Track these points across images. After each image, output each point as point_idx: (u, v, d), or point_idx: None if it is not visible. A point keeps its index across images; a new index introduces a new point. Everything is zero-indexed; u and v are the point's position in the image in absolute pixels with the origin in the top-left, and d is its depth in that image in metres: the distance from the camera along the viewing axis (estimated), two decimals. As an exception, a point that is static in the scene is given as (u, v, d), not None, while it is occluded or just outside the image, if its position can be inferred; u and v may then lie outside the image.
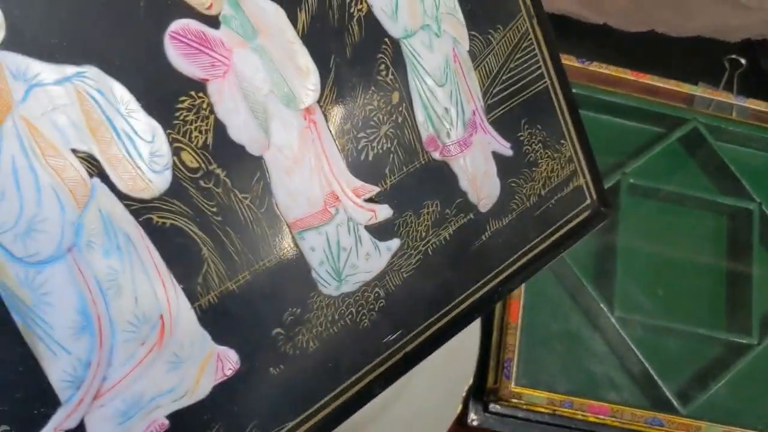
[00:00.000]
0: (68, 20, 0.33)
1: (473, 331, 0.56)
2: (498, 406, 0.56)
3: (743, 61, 0.75)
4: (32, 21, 0.32)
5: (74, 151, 0.34)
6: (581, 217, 0.52)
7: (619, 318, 0.59)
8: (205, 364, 0.38)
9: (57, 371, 0.33)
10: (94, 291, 0.34)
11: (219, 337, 0.38)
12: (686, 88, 0.67)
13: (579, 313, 0.60)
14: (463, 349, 0.55)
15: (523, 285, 0.57)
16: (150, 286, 0.36)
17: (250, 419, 0.39)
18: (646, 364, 0.57)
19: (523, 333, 0.56)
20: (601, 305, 0.58)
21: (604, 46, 0.74)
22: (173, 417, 0.37)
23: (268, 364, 0.39)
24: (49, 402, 0.33)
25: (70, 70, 0.33)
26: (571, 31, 0.74)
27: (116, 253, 0.35)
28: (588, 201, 0.52)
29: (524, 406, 0.55)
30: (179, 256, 0.36)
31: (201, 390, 0.37)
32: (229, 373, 0.38)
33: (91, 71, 0.34)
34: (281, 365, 0.40)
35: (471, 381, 0.56)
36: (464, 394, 0.56)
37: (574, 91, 0.59)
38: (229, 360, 0.38)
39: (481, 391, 0.57)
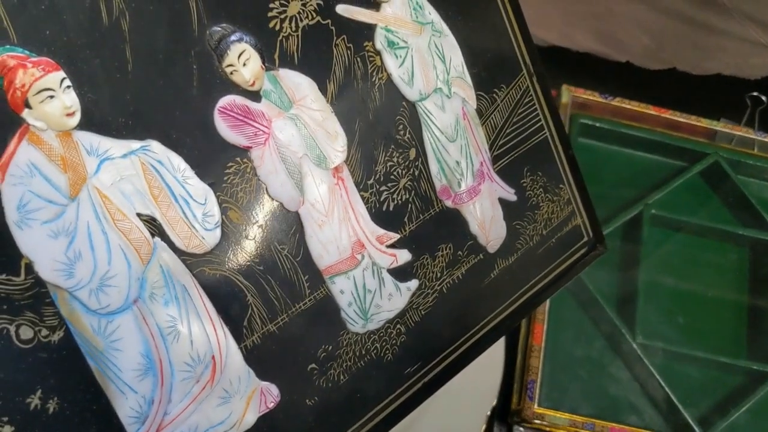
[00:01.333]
0: (132, 101, 0.38)
1: (497, 353, 0.58)
2: (521, 428, 0.58)
3: (764, 98, 0.77)
4: (102, 104, 0.37)
5: (139, 215, 0.38)
6: (579, 253, 0.57)
7: (641, 344, 0.60)
8: (251, 398, 0.42)
9: (125, 408, 0.38)
10: (156, 337, 0.39)
11: (262, 374, 0.42)
12: (708, 123, 0.70)
13: (601, 338, 0.61)
14: (487, 370, 0.57)
15: (547, 310, 0.61)
16: (203, 330, 0.40)
17: (290, 446, 0.44)
18: (668, 390, 0.58)
19: (547, 356, 0.58)
20: (623, 332, 0.60)
21: (627, 83, 0.76)
22: (224, 446, 0.41)
23: (304, 397, 0.44)
24: (119, 435, 0.38)
25: (134, 144, 0.38)
26: (595, 68, 0.77)
27: (174, 303, 0.39)
28: (585, 238, 0.57)
29: (547, 428, 0.57)
30: (228, 303, 0.41)
31: (247, 422, 0.42)
32: (271, 405, 0.43)
33: (153, 144, 0.39)
34: (316, 397, 0.45)
35: (495, 402, 0.57)
36: (488, 414, 0.57)
37: (596, 125, 0.66)
38: (271, 394, 0.43)
39: (504, 412, 0.59)
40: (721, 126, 0.70)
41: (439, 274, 0.49)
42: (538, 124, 0.54)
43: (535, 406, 0.56)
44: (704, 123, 0.70)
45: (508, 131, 0.52)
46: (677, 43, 0.77)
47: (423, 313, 0.49)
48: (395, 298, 0.48)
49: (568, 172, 0.55)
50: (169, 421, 0.40)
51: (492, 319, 0.52)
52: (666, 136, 0.70)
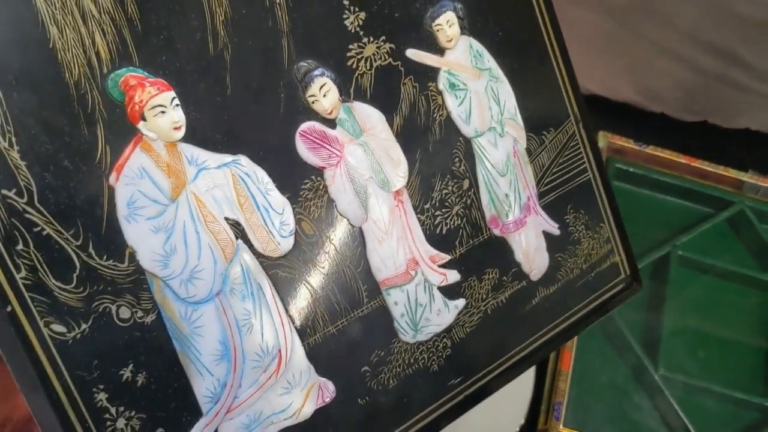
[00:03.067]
0: (228, 121, 0.43)
1: (528, 375, 0.61)
2: (547, 446, 0.62)
3: None
4: (204, 121, 0.42)
5: (226, 218, 0.43)
6: (616, 289, 0.60)
7: (663, 376, 0.63)
8: (310, 391, 0.46)
9: (201, 389, 0.43)
10: (233, 327, 0.44)
11: (321, 370, 0.47)
12: (735, 173, 0.73)
13: (626, 368, 0.64)
14: (518, 391, 0.60)
15: (575, 338, 0.64)
16: (273, 325, 0.45)
17: (341, 440, 0.47)
18: (686, 421, 0.60)
19: (574, 380, 0.61)
20: (646, 363, 0.63)
21: (661, 133, 0.80)
22: (283, 433, 0.45)
23: (357, 396, 0.48)
24: (194, 412, 0.42)
25: (227, 158, 0.43)
26: (632, 117, 0.81)
27: (250, 299, 0.44)
28: (622, 275, 0.60)
29: (570, 447, 0.61)
30: (295, 302, 0.46)
31: (305, 412, 0.46)
32: (327, 400, 0.47)
33: (243, 159, 0.44)
34: (367, 397, 0.48)
35: (523, 421, 0.61)
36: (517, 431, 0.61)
37: (630, 170, 0.71)
38: (328, 390, 0.47)
39: (531, 431, 0.62)
40: (748, 177, 0.73)
41: (484, 296, 0.53)
42: (582, 167, 0.58)
43: (561, 426, 0.59)
44: (732, 173, 0.73)
45: (554, 170, 0.56)
46: (709, 99, 0.81)
47: (468, 330, 0.52)
48: (443, 314, 0.51)
49: (608, 212, 0.59)
50: (237, 404, 0.44)
51: (531, 343, 0.55)
52: (696, 184, 0.74)
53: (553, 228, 0.56)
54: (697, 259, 0.70)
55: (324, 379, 0.47)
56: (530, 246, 0.55)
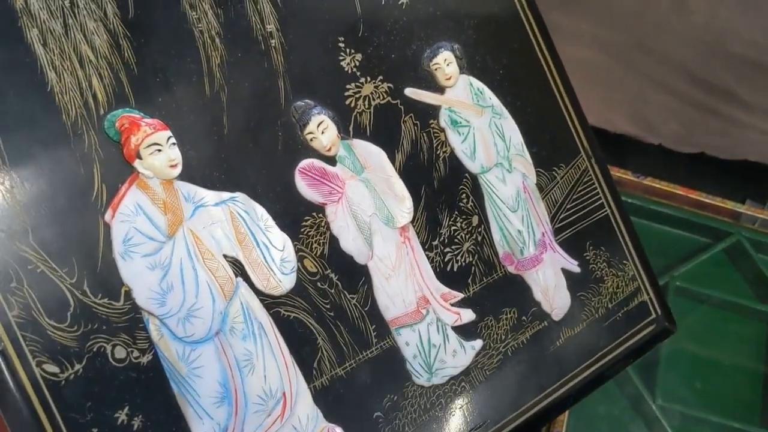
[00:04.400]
0: (226, 159, 0.43)
1: None
2: (546, 474, 0.59)
3: None
4: (200, 160, 0.42)
5: (225, 256, 0.42)
6: (647, 330, 0.56)
7: (660, 406, 0.62)
8: (318, 438, 0.43)
9: (201, 433, 0.40)
10: (233, 368, 0.41)
11: (329, 415, 0.43)
12: (733, 205, 0.73)
13: (624, 398, 0.63)
14: None
15: None
16: (276, 366, 0.42)
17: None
18: None
19: (572, 412, 0.59)
20: (644, 393, 0.62)
21: (659, 164, 0.80)
22: (290, 482, 0.42)
23: (370, 443, 0.44)
24: (194, 460, 0.39)
25: (225, 195, 0.42)
26: (629, 149, 0.82)
27: (252, 338, 0.42)
28: (653, 316, 0.56)
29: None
30: (300, 343, 0.43)
31: (314, 462, 0.43)
32: (337, 447, 0.43)
33: (241, 196, 0.43)
34: (381, 445, 0.44)
35: None
36: None
37: (629, 201, 0.70)
38: (338, 436, 0.43)
39: None
40: (745, 208, 0.73)
41: (503, 337, 0.50)
42: (599, 202, 0.55)
43: None
44: (729, 204, 0.73)
45: (568, 206, 0.54)
46: (705, 131, 0.81)
47: (488, 373, 0.49)
48: (459, 355, 0.48)
49: (631, 249, 0.56)
50: (239, 450, 0.41)
51: (558, 388, 0.51)
52: (693, 215, 0.74)
53: (573, 265, 0.53)
54: (694, 289, 0.69)
55: (333, 425, 0.43)
56: (549, 284, 0.52)
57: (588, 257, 0.54)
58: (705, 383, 0.66)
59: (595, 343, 0.53)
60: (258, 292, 0.42)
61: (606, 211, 0.56)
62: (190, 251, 0.41)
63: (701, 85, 0.79)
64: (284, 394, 0.42)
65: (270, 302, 0.43)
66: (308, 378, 0.43)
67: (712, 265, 0.72)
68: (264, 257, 0.43)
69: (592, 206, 0.55)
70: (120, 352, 0.39)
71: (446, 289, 0.48)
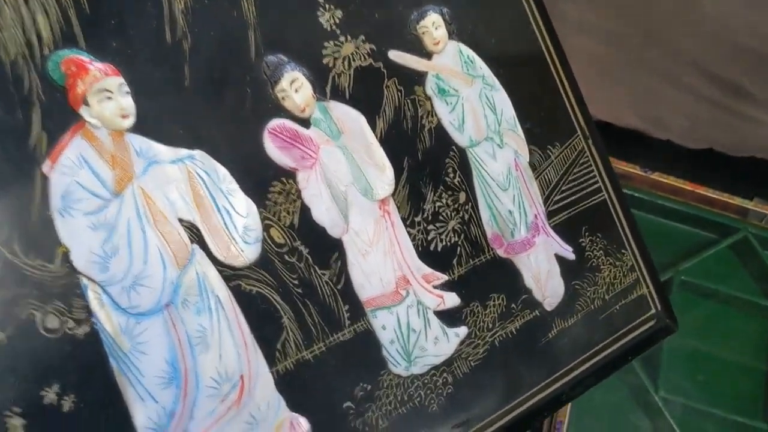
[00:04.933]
0: (186, 114, 0.38)
1: None
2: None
3: None
4: (157, 112, 0.37)
5: (180, 220, 0.37)
6: (647, 326, 0.51)
7: (662, 398, 0.60)
8: (279, 429, 0.37)
9: (143, 417, 0.34)
10: (184, 345, 0.36)
11: (293, 404, 0.38)
12: (740, 201, 0.72)
13: (627, 388, 0.62)
14: None
15: None
16: (234, 346, 0.37)
17: (319, 491, 0.38)
18: None
19: (575, 401, 0.55)
20: (647, 384, 0.61)
21: (667, 159, 0.78)
22: (246, 478, 0.36)
23: (338, 437, 0.39)
24: (133, 448, 0.34)
25: (183, 152, 0.37)
26: (638, 144, 0.79)
27: (207, 313, 0.37)
28: (653, 311, 0.51)
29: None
30: (262, 321, 0.38)
31: (274, 455, 0.37)
32: (300, 440, 0.38)
33: (200, 154, 0.38)
34: (351, 440, 0.39)
35: None
36: None
37: (636, 195, 0.69)
38: (302, 427, 0.38)
39: None
40: (752, 205, 0.72)
41: (490, 325, 0.45)
42: (596, 186, 0.51)
43: None
44: (737, 201, 0.72)
45: (563, 188, 0.49)
46: (713, 127, 0.79)
47: (473, 364, 0.44)
48: (442, 343, 0.43)
49: (630, 238, 0.51)
50: (188, 439, 0.35)
51: (551, 383, 0.46)
52: (700, 210, 0.73)
53: (567, 251, 0.48)
54: (699, 284, 0.68)
55: (296, 415, 0.38)
56: (541, 270, 0.47)
57: (583, 244, 0.49)
58: (708, 377, 0.65)
59: (590, 337, 0.48)
60: (216, 262, 0.37)
61: (603, 195, 0.51)
62: (140, 212, 0.36)
63: (710, 80, 0.76)
64: (242, 377, 0.37)
65: (230, 274, 0.38)
66: (270, 361, 0.38)
67: (718, 260, 0.71)
68: (224, 223, 0.38)
69: (589, 190, 0.51)
70: (52, 322, 0.33)
71: (429, 270, 0.43)
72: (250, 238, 0.38)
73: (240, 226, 0.38)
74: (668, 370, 0.63)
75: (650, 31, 0.76)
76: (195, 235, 0.37)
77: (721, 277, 0.69)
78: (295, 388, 0.38)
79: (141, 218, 0.36)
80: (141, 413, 0.34)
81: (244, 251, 0.38)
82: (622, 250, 0.51)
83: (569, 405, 0.57)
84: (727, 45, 0.75)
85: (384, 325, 0.41)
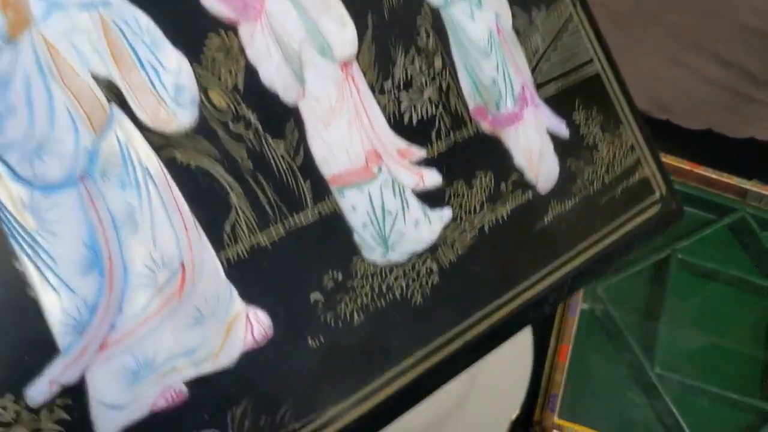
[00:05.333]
0: (96, -49, 0.30)
1: (525, 366, 0.58)
2: (541, 437, 0.57)
3: None
4: (59, -53, 0.29)
5: (95, 77, 0.29)
6: (651, 212, 0.45)
7: (658, 375, 0.60)
8: (232, 325, 0.31)
9: (57, 312, 0.27)
10: (106, 225, 0.29)
11: (249, 296, 0.31)
12: (739, 181, 0.70)
13: (623, 364, 0.62)
14: (514, 382, 0.57)
15: (574, 333, 0.60)
16: (171, 228, 0.30)
17: (283, 400, 0.31)
18: (680, 420, 0.58)
19: (570, 373, 0.58)
20: (643, 361, 0.60)
21: (665, 139, 0.75)
22: (192, 385, 0.29)
23: (305, 333, 0.32)
24: (46, 348, 0.27)
25: (94, -5, 0.30)
26: None
27: (134, 188, 0.29)
28: (657, 195, 0.45)
29: (564, 439, 0.57)
30: (205, 200, 0.31)
31: (226, 355, 0.30)
32: (259, 338, 0.31)
33: (116, 1, 0.30)
34: (321, 337, 0.32)
35: (518, 412, 0.56)
36: (511, 421, 0.56)
37: None
38: (260, 322, 0.31)
39: (527, 423, 0.58)
40: (751, 185, 0.70)
41: (478, 208, 0.38)
42: (587, 57, 0.44)
43: (555, 417, 0.56)
44: (735, 181, 0.71)
45: (551, 57, 0.43)
46: (714, 108, 0.77)
47: (460, 252, 0.37)
48: (423, 227, 0.36)
49: (627, 113, 0.45)
50: (117, 337, 0.28)
51: (550, 273, 0.40)
52: (699, 190, 0.71)
53: (560, 126, 0.42)
54: (697, 263, 0.68)
55: (254, 307, 0.31)
56: (533, 147, 0.40)
57: (577, 120, 0.43)
58: (705, 355, 0.64)
59: (591, 223, 0.42)
60: (143, 128, 0.30)
61: (595, 67, 0.45)
62: (42, 64, 0.29)
63: (711, 60, 0.73)
64: (182, 264, 0.30)
65: (162, 143, 0.30)
66: (218, 246, 0.31)
67: (716, 240, 0.70)
68: (150, 81, 0.31)
69: (579, 61, 0.44)
70: (-70, 195, 0.26)
71: (404, 144, 0.36)
72: (183, 99, 0.31)
73: (170, 85, 0.31)
74: (665, 348, 0.62)
75: (650, 10, 0.73)
76: (114, 94, 0.30)
77: (718, 257, 0.69)
78: (250, 278, 0.31)
79: (43, 72, 0.29)
80: (55, 308, 0.27)
81: (177, 114, 0.31)
82: (620, 127, 0.44)
83: (564, 378, 0.57)
84: (728, 25, 0.72)
85: (354, 205, 0.34)
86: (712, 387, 0.61)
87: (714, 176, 0.70)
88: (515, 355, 0.57)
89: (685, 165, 0.71)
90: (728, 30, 0.73)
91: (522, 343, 0.58)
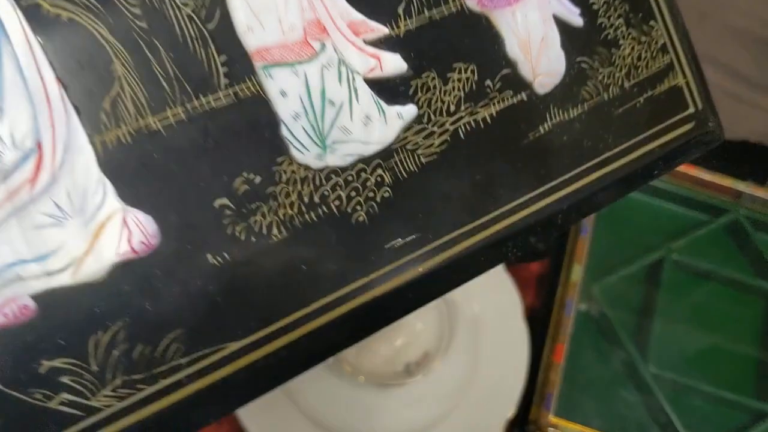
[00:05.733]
0: None
1: (520, 365, 0.61)
2: (536, 436, 0.61)
3: None
4: None
5: None
6: (681, 130, 0.37)
7: (652, 373, 0.63)
8: (103, 229, 0.25)
9: None
10: (-68, 85, 0.23)
11: (129, 195, 0.25)
12: (732, 182, 0.73)
13: (617, 362, 0.65)
14: (510, 382, 0.60)
15: (569, 332, 0.62)
16: (25, 96, 0.24)
17: (168, 329, 0.26)
18: (674, 419, 0.61)
19: (566, 373, 0.61)
20: (637, 360, 0.63)
21: None
22: (43, 300, 0.24)
23: (203, 248, 0.26)
24: None
25: None
26: None
27: (-23, 40, 0.23)
28: (691, 109, 0.38)
29: (559, 437, 0.61)
30: (77, 65, 0.25)
31: (92, 266, 0.25)
32: (139, 247, 0.25)
33: None
34: (225, 253, 0.27)
35: (514, 410, 0.59)
36: (508, 419, 0.59)
37: None
38: (142, 228, 0.25)
39: (523, 422, 0.61)
40: (744, 186, 0.73)
41: (452, 107, 0.31)
42: (616, -75, 0.36)
43: (551, 416, 0.59)
44: (729, 182, 0.73)
45: None
46: None
47: (423, 160, 0.31)
48: (375, 124, 0.30)
49: (663, 6, 0.37)
50: (-59, 233, 0.23)
51: (539, 197, 0.33)
52: (693, 192, 0.74)
53: (571, 12, 0.34)
54: (691, 263, 0.71)
55: (132, 209, 0.25)
56: (533, 35, 0.33)
57: (595, 5, 0.35)
58: (699, 354, 0.68)
59: (600, 138, 0.35)
60: (-5, -37, 0.24)
61: (626, -59, 0.36)
62: None
63: (703, 61, 0.70)
64: (39, 145, 0.24)
65: (20, -16, 0.24)
66: (91, 126, 0.25)
67: (710, 240, 0.73)
68: None
69: (606, -69, 0.36)
70: None
71: (359, 17, 0.29)
72: (52, -74, 0.24)
73: None
74: (659, 346, 0.64)
75: None
76: None
77: (713, 257, 0.71)
78: (132, 171, 0.25)
79: None
80: None
81: (43, -54, 0.24)
82: (651, 21, 0.37)
83: (559, 378, 0.59)
84: (720, 26, 0.76)
85: (284, 90, 0.28)
86: (707, 386, 0.64)
87: (708, 177, 0.72)
88: (511, 354, 0.61)
89: (680, 166, 0.68)
90: (720, 33, 0.77)
91: (518, 342, 0.61)
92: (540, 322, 0.63)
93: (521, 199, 0.33)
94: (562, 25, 0.34)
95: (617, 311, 0.65)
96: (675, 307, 0.69)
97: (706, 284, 0.71)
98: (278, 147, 0.28)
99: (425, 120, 0.31)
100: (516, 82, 0.33)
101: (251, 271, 0.27)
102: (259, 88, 0.28)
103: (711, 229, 0.73)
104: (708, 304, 0.71)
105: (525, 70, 0.33)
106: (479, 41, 0.32)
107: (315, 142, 0.29)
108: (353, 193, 0.29)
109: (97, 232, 0.25)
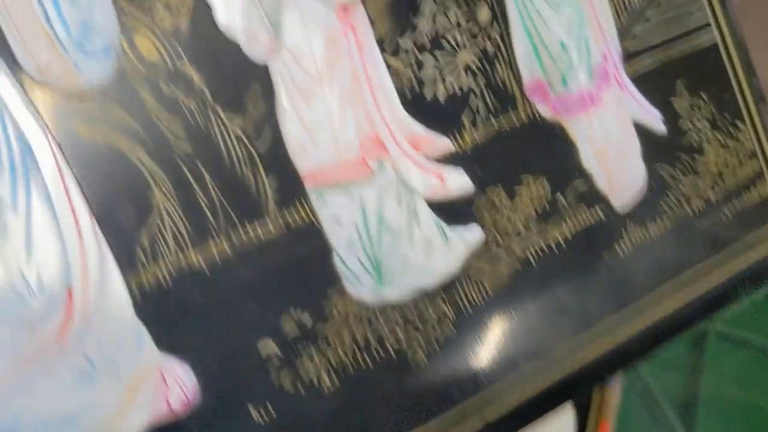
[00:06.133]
0: None
1: None
2: None
3: None
4: None
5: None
6: (772, 244, 0.36)
7: None
8: (139, 385, 0.24)
9: None
10: (-45, 227, 0.22)
11: (167, 343, 0.24)
12: None
13: None
14: None
15: (616, 406, 0.59)
16: (56, 235, 0.23)
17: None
18: None
19: None
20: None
21: None
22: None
23: (247, 401, 0.25)
24: None
25: None
26: None
27: (8, 174, 0.23)
28: (783, 220, 0.37)
29: None
30: (113, 195, 0.24)
31: (126, 429, 0.23)
32: (178, 406, 0.24)
33: None
34: (270, 406, 0.25)
35: None
36: None
37: None
38: (181, 384, 0.24)
39: None
40: None
41: (520, 228, 0.30)
42: (702, 21, 0.35)
43: None
44: None
45: (651, 17, 0.34)
46: None
47: (489, 292, 0.29)
48: (437, 251, 0.29)
49: (751, 104, 0.36)
50: (-43, 396, 0.22)
51: (617, 324, 0.32)
52: None
53: (653, 117, 0.34)
54: (735, 333, 0.68)
55: (174, 360, 0.24)
56: (610, 144, 0.32)
57: (678, 108, 0.34)
58: (745, 425, 0.67)
59: (683, 255, 0.34)
60: (25, 81, 0.23)
61: (713, 35, 0.36)
62: None
63: None
64: (69, 291, 0.23)
65: (52, 104, 0.23)
66: (128, 266, 0.24)
67: (754, 310, 0.68)
68: (45, 14, 0.23)
69: (690, 26, 0.35)
70: None
71: (421, 131, 0.29)
72: (92, 44, 0.24)
73: (75, 22, 0.24)
74: (705, 421, 0.63)
75: None
76: (-15, 29, 0.23)
77: (757, 327, 0.69)
78: (171, 316, 0.24)
79: None
80: None
81: (80, 66, 0.24)
82: (738, 123, 0.36)
83: None
84: None
85: (338, 215, 0.27)
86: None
87: None
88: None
89: None
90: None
91: (563, 419, 0.57)
92: (584, 397, 0.60)
93: (596, 332, 0.31)
94: (643, 132, 0.34)
95: (662, 382, 0.64)
96: (721, 379, 0.68)
97: (752, 355, 0.70)
98: (329, 279, 0.27)
99: (491, 243, 0.30)
100: (591, 196, 0.32)
101: (298, 425, 0.26)
102: (311, 214, 0.27)
103: (755, 299, 0.68)
104: (755, 374, 0.70)
105: (601, 183, 0.32)
106: (551, 151, 0.31)
107: (370, 273, 0.28)
108: (412, 332, 0.28)
109: (132, 387, 0.24)
